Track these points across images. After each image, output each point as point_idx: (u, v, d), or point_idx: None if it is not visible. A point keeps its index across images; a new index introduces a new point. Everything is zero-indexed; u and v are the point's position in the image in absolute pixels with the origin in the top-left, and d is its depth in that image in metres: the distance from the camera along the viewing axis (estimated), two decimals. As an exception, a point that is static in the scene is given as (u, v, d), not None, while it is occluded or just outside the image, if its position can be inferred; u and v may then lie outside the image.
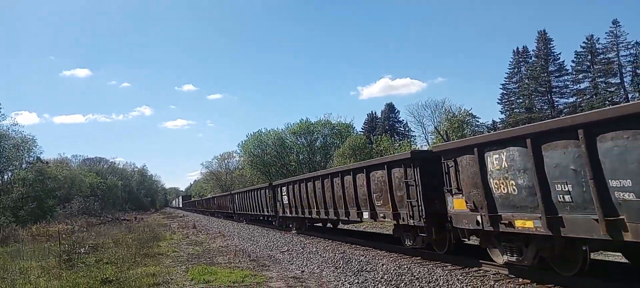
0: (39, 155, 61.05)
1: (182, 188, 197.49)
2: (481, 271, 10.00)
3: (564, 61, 76.54)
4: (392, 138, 64.10)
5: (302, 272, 13.34)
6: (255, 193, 31.30)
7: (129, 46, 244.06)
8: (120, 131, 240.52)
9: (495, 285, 8.73)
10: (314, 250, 16.31)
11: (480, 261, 10.38)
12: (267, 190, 27.84)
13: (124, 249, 19.86)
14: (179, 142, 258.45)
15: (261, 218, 31.97)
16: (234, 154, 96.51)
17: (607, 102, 64.41)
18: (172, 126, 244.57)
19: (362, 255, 13.74)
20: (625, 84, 69.41)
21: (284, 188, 23.81)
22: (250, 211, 33.72)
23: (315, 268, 13.55)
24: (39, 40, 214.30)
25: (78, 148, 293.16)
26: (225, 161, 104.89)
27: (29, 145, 55.99)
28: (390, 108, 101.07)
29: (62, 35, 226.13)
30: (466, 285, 8.99)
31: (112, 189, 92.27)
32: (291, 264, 14.83)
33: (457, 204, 10.23)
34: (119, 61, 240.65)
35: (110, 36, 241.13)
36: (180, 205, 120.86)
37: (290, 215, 23.23)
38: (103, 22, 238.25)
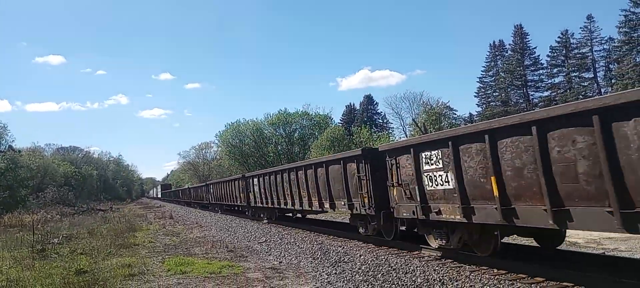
0: (10, 144, 59.70)
1: (159, 178, 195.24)
2: (455, 263, 10.17)
3: (539, 55, 77.97)
4: (371, 130, 64.45)
5: (280, 262, 13.34)
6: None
7: (104, 33, 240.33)
8: (95, 120, 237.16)
9: (470, 276, 8.86)
10: (292, 240, 16.33)
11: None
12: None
13: (98, 239, 19.60)
14: (156, 132, 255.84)
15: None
16: (212, 144, 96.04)
17: (580, 96, 65.72)
18: (149, 115, 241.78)
19: (340, 246, 13.81)
20: (599, 79, 70.92)
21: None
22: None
23: (293, 258, 13.56)
24: (10, 25, 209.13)
25: (52, 137, 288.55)
26: (203, 151, 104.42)
27: (0, 133, 54.71)
28: (369, 100, 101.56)
29: (35, 21, 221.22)
30: (443, 276, 9.10)
31: (87, 179, 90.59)
32: (269, 255, 14.81)
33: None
34: (95, 48, 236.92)
35: (85, 22, 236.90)
36: (159, 195, 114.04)
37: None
38: (78, 8, 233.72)
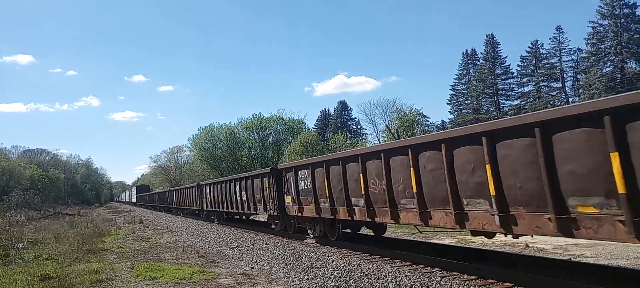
0: (-26, 145, 57.86)
1: (129, 182, 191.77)
2: (426, 268, 10.25)
3: (510, 65, 79.66)
4: (346, 136, 64.70)
5: (252, 268, 13.23)
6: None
7: (76, 32, 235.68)
8: (64, 122, 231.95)
9: (441, 281, 8.93)
10: (264, 246, 16.23)
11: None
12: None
13: (65, 244, 19.11)
14: (127, 135, 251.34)
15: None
16: (185, 148, 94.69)
17: (549, 105, 67.28)
18: (121, 118, 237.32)
19: (313, 252, 13.78)
20: (567, 88, 72.78)
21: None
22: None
23: (265, 264, 13.47)
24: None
25: (18, 138, 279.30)
26: (175, 155, 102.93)
27: (-36, 134, 52.96)
28: (343, 105, 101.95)
29: (3, 18, 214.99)
30: (414, 282, 9.16)
31: (54, 182, 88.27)
32: (241, 260, 14.68)
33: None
34: (65, 48, 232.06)
35: (56, 21, 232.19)
36: (133, 199, 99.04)
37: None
38: (50, 6, 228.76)
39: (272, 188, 17.49)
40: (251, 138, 66.45)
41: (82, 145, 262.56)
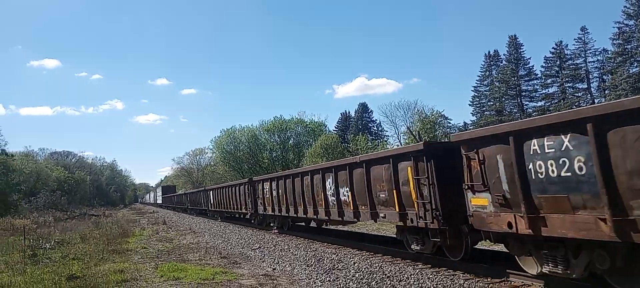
0: (3, 148, 59.18)
1: (152, 183, 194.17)
2: (449, 271, 10.16)
3: (533, 66, 78.40)
4: (366, 138, 64.53)
5: (274, 269, 13.29)
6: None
7: (101, 37, 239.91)
8: (89, 125, 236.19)
9: (464, 284, 8.85)
10: (286, 248, 16.28)
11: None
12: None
13: (91, 245, 19.46)
14: (151, 137, 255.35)
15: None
16: (207, 150, 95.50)
17: (574, 106, 66.05)
18: (144, 121, 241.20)
19: (334, 254, 13.78)
20: (592, 90, 71.43)
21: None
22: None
23: (287, 266, 13.52)
24: (6, 28, 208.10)
25: (45, 141, 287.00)
26: (197, 157, 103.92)
27: (-7, 136, 54.26)
28: (364, 108, 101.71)
29: (30, 24, 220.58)
30: (437, 284, 9.10)
31: (80, 184, 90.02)
32: (263, 262, 14.76)
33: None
34: (91, 52, 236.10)
35: (81, 26, 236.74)
36: (158, 201, 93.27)
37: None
38: (74, 12, 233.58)
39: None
40: (272, 140, 66.72)
41: (107, 147, 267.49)
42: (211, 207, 36.79)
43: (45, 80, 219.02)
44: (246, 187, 25.59)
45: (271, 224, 23.29)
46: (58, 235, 24.04)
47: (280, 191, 20.04)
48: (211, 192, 36.80)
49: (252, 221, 25.79)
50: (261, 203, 23.01)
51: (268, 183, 21.80)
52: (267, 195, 21.84)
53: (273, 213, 21.55)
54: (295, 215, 18.69)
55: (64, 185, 75.03)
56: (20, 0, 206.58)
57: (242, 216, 29.43)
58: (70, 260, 15.48)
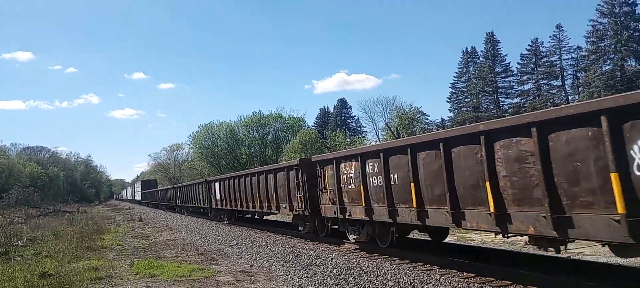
0: (-26, 143, 57.80)
1: (128, 179, 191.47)
2: (425, 266, 10.25)
3: (510, 63, 79.55)
4: (345, 134, 64.61)
5: (251, 266, 13.24)
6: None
7: (76, 29, 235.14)
8: (63, 119, 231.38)
9: (440, 279, 8.93)
10: (264, 243, 16.23)
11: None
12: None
13: (64, 242, 19.11)
14: (127, 132, 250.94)
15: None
16: (184, 146, 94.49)
17: (549, 103, 67.27)
18: (120, 115, 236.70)
19: (312, 250, 13.78)
20: (567, 86, 72.75)
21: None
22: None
23: (265, 262, 13.48)
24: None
25: (17, 136, 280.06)
26: (174, 153, 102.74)
27: (-37, 131, 52.85)
28: (343, 103, 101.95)
29: (1, 16, 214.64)
30: (413, 279, 9.16)
31: (54, 180, 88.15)
32: (240, 258, 14.69)
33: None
34: (65, 45, 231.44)
35: (56, 18, 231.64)
36: (137, 196, 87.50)
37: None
38: (48, 2, 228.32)
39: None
40: (250, 136, 66.32)
41: (82, 142, 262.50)
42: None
43: (17, 73, 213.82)
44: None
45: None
46: (30, 232, 23.56)
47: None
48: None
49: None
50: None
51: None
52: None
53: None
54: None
55: (37, 181, 73.42)
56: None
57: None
58: (43, 257, 15.19)
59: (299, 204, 15.77)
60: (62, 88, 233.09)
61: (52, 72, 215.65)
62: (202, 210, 33.33)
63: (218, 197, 26.59)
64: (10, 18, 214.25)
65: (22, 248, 17.74)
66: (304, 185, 15.36)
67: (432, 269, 9.85)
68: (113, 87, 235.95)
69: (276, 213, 20.39)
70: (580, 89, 67.67)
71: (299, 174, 15.67)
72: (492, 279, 8.57)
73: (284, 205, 17.55)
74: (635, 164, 5.71)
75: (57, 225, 28.55)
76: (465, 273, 9.14)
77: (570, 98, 68.67)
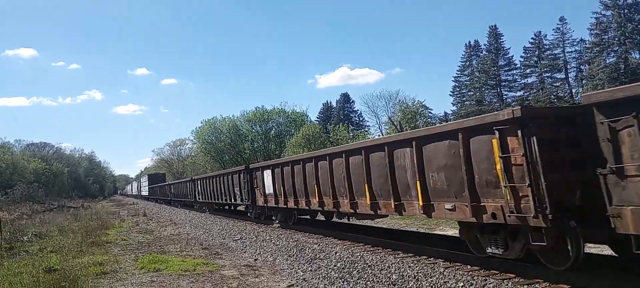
0: (-22, 139, 57.99)
1: (132, 175, 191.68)
2: (429, 260, 10.25)
3: (513, 56, 79.35)
4: (348, 128, 64.58)
5: (255, 260, 13.28)
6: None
7: (79, 26, 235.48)
8: (67, 115, 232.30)
9: (444, 272, 8.94)
10: (268, 238, 16.26)
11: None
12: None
13: (69, 237, 19.21)
14: (130, 128, 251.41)
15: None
16: (187, 141, 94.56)
17: (552, 96, 67.10)
18: (124, 111, 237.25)
19: (316, 244, 13.79)
20: (570, 79, 72.50)
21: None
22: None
23: (269, 256, 13.51)
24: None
25: (21, 132, 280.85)
26: (178, 148, 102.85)
27: (-33, 128, 53.01)
28: (346, 98, 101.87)
29: (5, 13, 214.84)
30: (418, 272, 9.17)
31: (58, 176, 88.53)
32: (244, 252, 14.73)
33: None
34: (68, 41, 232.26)
35: (58, 15, 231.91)
36: (143, 192, 79.34)
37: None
38: (51, 1, 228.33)
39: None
40: (254, 131, 66.33)
41: (86, 138, 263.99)
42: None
43: (21, 70, 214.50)
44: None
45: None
46: (35, 228, 23.67)
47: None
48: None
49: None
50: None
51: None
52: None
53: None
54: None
55: (41, 177, 73.72)
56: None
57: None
58: (48, 252, 15.27)
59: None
60: (66, 84, 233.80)
61: (55, 68, 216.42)
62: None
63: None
64: (13, 15, 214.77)
65: (28, 243, 17.83)
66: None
67: (436, 262, 9.84)
68: (116, 83, 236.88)
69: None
70: (584, 81, 67.39)
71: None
72: (496, 272, 8.56)
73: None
74: None
75: (62, 221, 28.68)
76: (469, 267, 9.14)
77: (574, 91, 68.45)
